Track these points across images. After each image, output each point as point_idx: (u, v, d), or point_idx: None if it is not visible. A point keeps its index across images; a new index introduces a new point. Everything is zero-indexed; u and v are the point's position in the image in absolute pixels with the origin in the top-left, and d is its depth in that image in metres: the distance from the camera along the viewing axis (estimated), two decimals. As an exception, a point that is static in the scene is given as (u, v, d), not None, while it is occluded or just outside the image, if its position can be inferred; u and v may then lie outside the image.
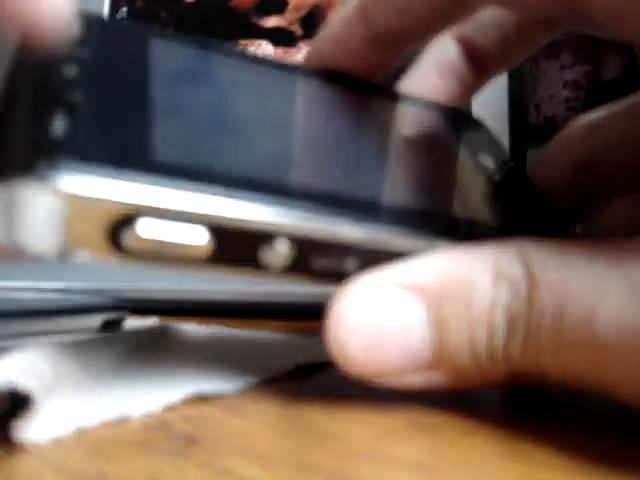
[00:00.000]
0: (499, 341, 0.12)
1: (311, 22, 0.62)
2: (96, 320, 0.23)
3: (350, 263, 0.14)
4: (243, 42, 0.64)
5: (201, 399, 0.15)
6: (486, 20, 0.19)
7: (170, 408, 0.15)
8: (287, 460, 0.12)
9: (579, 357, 0.12)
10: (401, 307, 0.13)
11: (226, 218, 0.12)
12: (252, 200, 0.13)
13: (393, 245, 0.14)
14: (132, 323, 0.24)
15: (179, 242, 0.12)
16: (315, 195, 0.14)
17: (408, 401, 0.16)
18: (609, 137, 0.19)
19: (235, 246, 0.13)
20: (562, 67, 0.54)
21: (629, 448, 0.12)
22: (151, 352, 0.19)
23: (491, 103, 0.57)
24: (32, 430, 0.12)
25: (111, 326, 0.23)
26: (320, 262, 0.14)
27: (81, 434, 0.13)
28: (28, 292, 0.28)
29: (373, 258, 0.14)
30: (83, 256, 0.12)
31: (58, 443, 0.12)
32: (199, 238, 0.12)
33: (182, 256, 0.13)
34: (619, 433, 0.14)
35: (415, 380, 0.14)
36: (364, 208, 0.14)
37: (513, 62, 0.20)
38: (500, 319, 0.12)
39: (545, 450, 0.12)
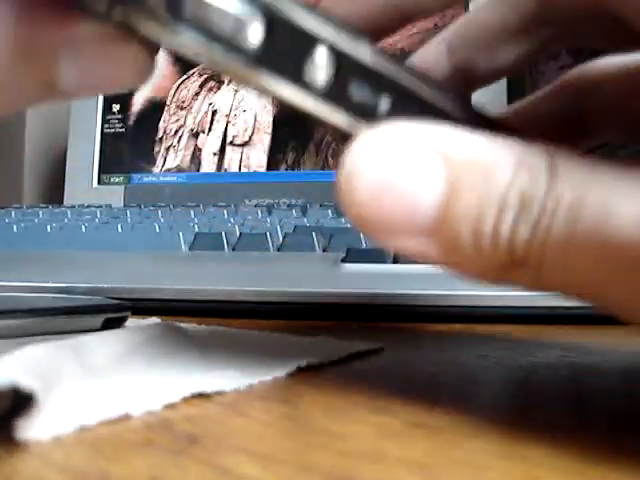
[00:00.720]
0: (508, 222, 0.12)
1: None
2: (97, 319, 0.23)
3: (385, 102, 0.13)
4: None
5: (202, 398, 0.15)
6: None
7: (171, 407, 0.15)
8: (287, 459, 0.12)
9: (586, 257, 0.12)
10: (420, 164, 0.12)
11: (283, 11, 0.12)
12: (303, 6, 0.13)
13: (425, 92, 0.14)
14: (133, 323, 0.24)
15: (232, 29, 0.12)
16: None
17: (408, 401, 0.16)
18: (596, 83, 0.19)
19: (284, 48, 0.12)
20: (561, 67, 0.54)
21: (629, 448, 0.12)
22: (152, 351, 0.19)
23: (490, 104, 0.57)
24: (33, 429, 0.12)
25: (112, 326, 0.23)
26: (357, 92, 0.13)
27: (82, 433, 0.13)
28: (29, 291, 0.28)
29: (406, 102, 0.14)
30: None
31: (59, 442, 0.13)
32: (253, 30, 0.12)
33: (232, 41, 0.12)
34: (619, 433, 0.14)
35: (411, 245, 0.13)
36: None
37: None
38: (514, 201, 0.12)
39: (545, 450, 0.12)
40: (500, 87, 0.57)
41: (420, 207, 0.12)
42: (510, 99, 0.57)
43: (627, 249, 0.11)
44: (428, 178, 0.12)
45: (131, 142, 0.65)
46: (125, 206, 0.59)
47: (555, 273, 0.12)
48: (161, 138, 0.65)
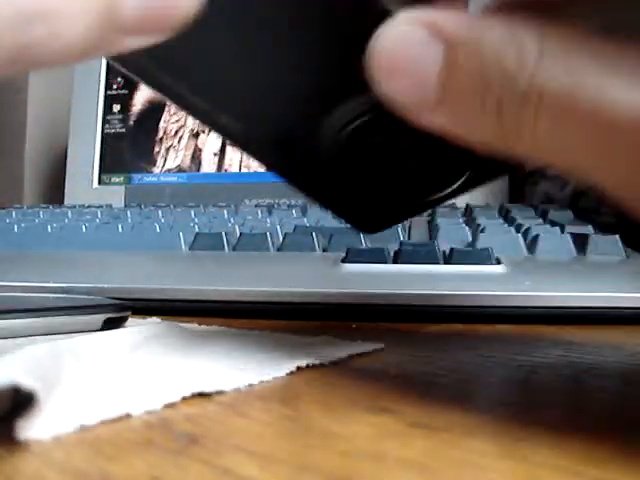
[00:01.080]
0: (493, 98, 0.13)
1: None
2: (97, 319, 0.23)
3: None
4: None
5: (202, 398, 0.15)
6: None
7: (171, 407, 0.15)
8: (287, 460, 0.12)
9: (578, 138, 0.12)
10: (423, 46, 0.13)
11: None
12: None
13: None
14: (133, 323, 0.24)
15: None
16: None
17: (408, 401, 0.16)
18: None
19: None
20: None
21: (629, 448, 0.12)
22: (152, 351, 0.19)
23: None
24: (34, 429, 0.12)
25: (112, 326, 0.23)
26: None
27: (82, 433, 0.13)
28: (29, 291, 0.28)
29: None
30: None
31: (59, 442, 0.13)
32: None
33: None
34: (619, 433, 0.14)
35: (426, 119, 0.14)
36: None
37: None
38: (497, 79, 0.13)
39: (545, 450, 0.12)
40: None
41: (427, 81, 0.13)
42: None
43: (624, 132, 0.11)
44: (431, 56, 0.13)
45: (131, 142, 0.65)
46: (125, 206, 0.59)
47: (552, 144, 0.12)
48: (161, 138, 0.65)
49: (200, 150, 0.63)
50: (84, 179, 0.65)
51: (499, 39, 0.13)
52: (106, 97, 0.66)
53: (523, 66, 0.12)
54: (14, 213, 0.51)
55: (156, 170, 0.64)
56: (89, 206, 0.57)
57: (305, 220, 0.44)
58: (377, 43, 0.14)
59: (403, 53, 0.13)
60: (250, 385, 0.16)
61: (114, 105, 0.66)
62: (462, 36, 0.13)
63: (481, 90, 0.13)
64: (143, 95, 0.66)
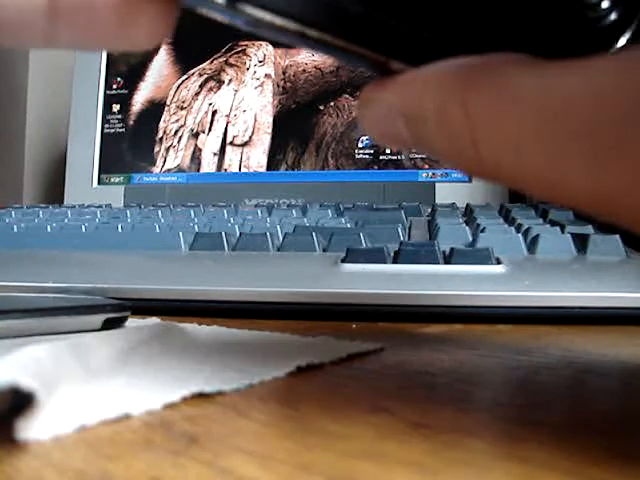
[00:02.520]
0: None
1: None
2: (97, 319, 0.23)
3: None
4: (243, 43, 0.64)
5: (202, 398, 0.15)
6: None
7: (171, 407, 0.15)
8: (287, 460, 0.12)
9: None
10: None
11: None
12: None
13: None
14: (133, 323, 0.24)
15: None
16: None
17: (408, 401, 0.16)
18: None
19: None
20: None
21: (629, 448, 0.12)
22: (152, 351, 0.19)
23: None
24: (33, 429, 0.12)
25: (112, 326, 0.23)
26: None
27: (82, 433, 0.13)
28: (29, 291, 0.28)
29: None
30: None
31: (59, 442, 0.13)
32: None
33: None
34: (619, 433, 0.14)
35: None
36: None
37: None
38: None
39: (545, 450, 0.12)
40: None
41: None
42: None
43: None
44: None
45: (131, 142, 0.65)
46: (125, 206, 0.59)
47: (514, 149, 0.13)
48: (161, 138, 0.65)
49: (200, 150, 0.63)
50: (84, 179, 0.65)
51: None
52: (106, 97, 0.66)
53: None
54: (14, 213, 0.51)
55: (156, 170, 0.64)
56: (89, 206, 0.57)
57: (305, 220, 0.44)
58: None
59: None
60: (250, 385, 0.16)
61: (114, 105, 0.66)
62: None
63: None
64: (143, 95, 0.66)
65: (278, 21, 0.14)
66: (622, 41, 0.15)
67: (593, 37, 0.15)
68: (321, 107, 0.61)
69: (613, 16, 0.15)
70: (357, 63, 0.15)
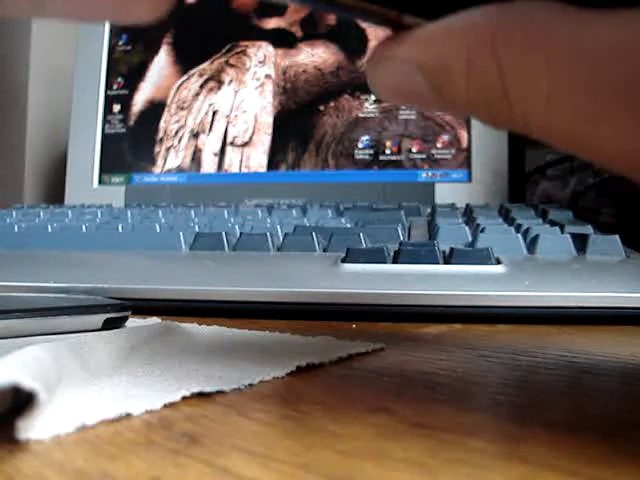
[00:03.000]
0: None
1: (311, 24, 0.62)
2: (98, 319, 0.23)
3: None
4: (243, 43, 0.64)
5: (202, 398, 0.15)
6: None
7: (171, 407, 0.15)
8: (287, 460, 0.12)
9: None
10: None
11: None
12: None
13: None
14: (133, 323, 0.24)
15: None
16: None
17: (408, 401, 0.16)
18: None
19: None
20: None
21: (628, 448, 0.12)
22: (152, 351, 0.19)
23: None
24: (34, 429, 0.12)
25: (112, 326, 0.23)
26: None
27: (83, 432, 0.13)
28: (29, 291, 0.28)
29: None
30: None
31: (60, 442, 0.13)
32: None
33: None
34: (619, 433, 0.14)
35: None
36: None
37: None
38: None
39: (545, 450, 0.12)
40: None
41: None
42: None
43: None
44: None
45: (132, 142, 0.65)
46: (126, 206, 0.59)
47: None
48: (162, 138, 0.65)
49: (200, 150, 0.63)
50: (84, 179, 0.65)
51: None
52: (106, 97, 0.66)
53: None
54: (14, 213, 0.51)
55: (156, 170, 0.64)
56: (89, 206, 0.57)
57: (305, 220, 0.44)
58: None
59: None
60: (250, 385, 0.16)
61: (114, 105, 0.66)
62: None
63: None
64: (143, 95, 0.66)
65: None
66: None
67: None
68: (321, 107, 0.61)
69: None
70: (368, 19, 0.15)
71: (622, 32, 0.11)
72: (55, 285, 0.29)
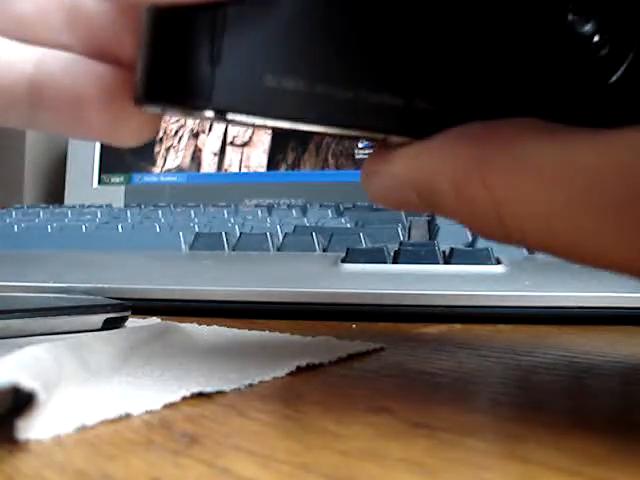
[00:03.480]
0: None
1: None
2: (98, 319, 0.23)
3: None
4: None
5: (202, 398, 0.15)
6: None
7: (171, 407, 0.15)
8: (287, 460, 0.12)
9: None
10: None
11: None
12: None
13: None
14: (133, 323, 0.24)
15: None
16: None
17: (408, 401, 0.16)
18: None
19: None
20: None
21: (629, 448, 0.12)
22: (152, 351, 0.19)
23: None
24: (34, 429, 0.12)
25: (112, 326, 0.23)
26: None
27: (83, 433, 0.13)
28: (29, 291, 0.28)
29: None
30: None
31: (59, 442, 0.13)
32: None
33: None
34: (619, 433, 0.14)
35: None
36: None
37: None
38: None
39: (545, 450, 0.12)
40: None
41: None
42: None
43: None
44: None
45: (131, 142, 0.65)
46: (125, 206, 0.59)
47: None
48: (161, 138, 0.65)
49: (200, 150, 0.63)
50: (84, 179, 0.65)
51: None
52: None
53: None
54: (14, 213, 0.51)
55: (156, 170, 0.64)
56: (89, 206, 0.57)
57: (305, 220, 0.44)
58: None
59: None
60: (250, 385, 0.16)
61: (114, 105, 0.66)
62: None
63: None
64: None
65: (270, 123, 0.14)
66: (618, 74, 0.15)
67: (590, 71, 0.15)
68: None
69: (606, 50, 0.15)
70: (355, 139, 0.15)
71: (604, 158, 0.12)
72: (55, 285, 0.29)
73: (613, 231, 0.12)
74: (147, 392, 0.15)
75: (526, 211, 0.12)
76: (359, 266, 0.30)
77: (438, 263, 0.30)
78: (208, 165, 0.63)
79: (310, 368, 0.18)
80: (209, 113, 0.13)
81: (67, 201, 0.64)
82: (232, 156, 0.62)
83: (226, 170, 0.62)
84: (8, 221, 0.47)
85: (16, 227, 0.43)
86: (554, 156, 0.12)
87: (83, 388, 0.15)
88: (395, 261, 0.31)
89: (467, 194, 0.13)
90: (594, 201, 0.12)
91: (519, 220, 0.13)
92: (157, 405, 0.15)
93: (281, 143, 0.62)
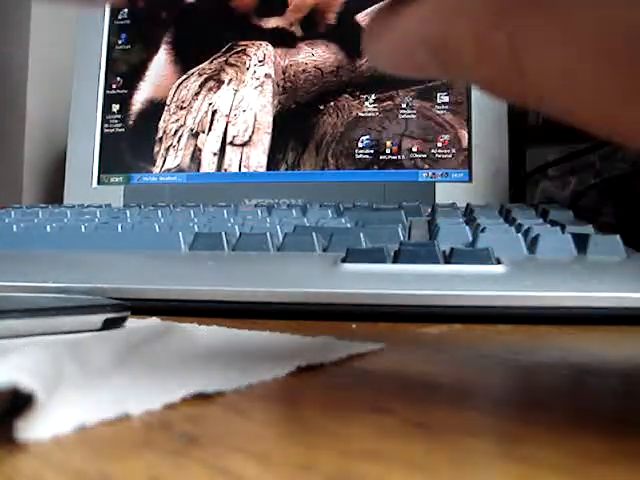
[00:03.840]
0: None
1: (311, 23, 0.62)
2: (97, 319, 0.23)
3: None
4: (243, 43, 0.64)
5: (202, 398, 0.15)
6: None
7: (171, 407, 0.15)
8: (287, 460, 0.12)
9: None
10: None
11: None
12: None
13: None
14: (133, 323, 0.24)
15: None
16: None
17: (408, 401, 0.16)
18: None
19: None
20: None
21: (629, 448, 0.12)
22: (152, 351, 0.19)
23: (491, 104, 0.57)
24: (33, 429, 0.12)
25: (112, 326, 0.23)
26: None
27: (82, 433, 0.13)
28: (29, 291, 0.28)
29: None
30: None
31: (59, 442, 0.13)
32: None
33: None
34: (619, 433, 0.14)
35: None
36: None
37: None
38: None
39: (545, 450, 0.12)
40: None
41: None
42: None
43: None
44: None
45: (131, 142, 0.65)
46: (125, 206, 0.59)
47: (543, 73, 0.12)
48: (161, 138, 0.65)
49: (200, 150, 0.63)
50: (83, 179, 0.65)
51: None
52: (105, 97, 0.66)
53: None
54: (13, 213, 0.51)
55: (155, 170, 0.64)
56: (88, 206, 0.57)
57: (305, 220, 0.44)
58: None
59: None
60: (250, 385, 0.16)
61: (113, 105, 0.66)
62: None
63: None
64: (143, 95, 0.66)
65: None
66: None
67: None
68: (321, 107, 0.61)
69: None
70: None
71: None
72: (54, 285, 0.29)
73: None
74: (147, 392, 0.15)
75: (551, 68, 0.12)
76: (359, 266, 0.30)
77: (438, 263, 0.30)
78: (208, 165, 0.63)
79: (310, 368, 0.18)
80: None
81: (66, 201, 0.64)
82: (232, 156, 0.62)
83: (226, 170, 0.62)
84: (7, 221, 0.47)
85: (15, 227, 0.42)
86: (585, 7, 0.11)
87: (82, 388, 0.15)
88: (395, 261, 0.31)
89: (489, 45, 0.12)
90: (623, 57, 0.11)
91: (542, 78, 0.12)
92: (157, 405, 0.15)
93: (281, 143, 0.62)
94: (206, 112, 0.64)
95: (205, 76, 0.64)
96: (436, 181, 0.58)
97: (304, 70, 0.62)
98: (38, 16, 0.79)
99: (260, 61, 0.63)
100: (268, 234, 0.36)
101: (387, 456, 0.12)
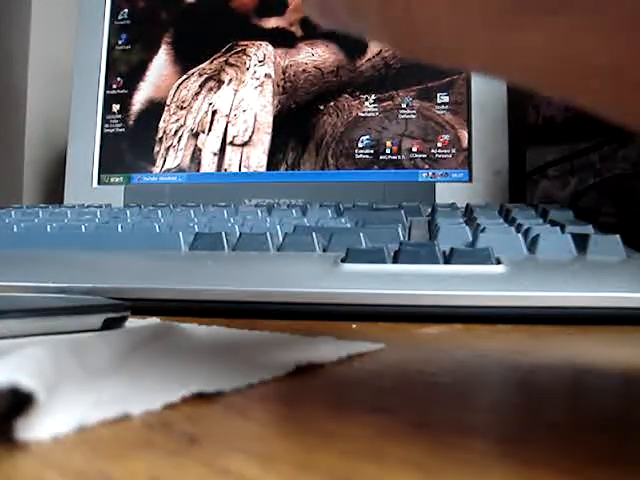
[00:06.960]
0: None
1: (311, 23, 0.62)
2: (97, 319, 0.23)
3: None
4: (243, 43, 0.64)
5: (202, 398, 0.15)
6: None
7: (171, 407, 0.15)
8: (287, 460, 0.12)
9: None
10: None
11: None
12: None
13: None
14: (133, 323, 0.24)
15: None
16: None
17: (408, 401, 0.16)
18: None
19: None
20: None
21: (628, 448, 0.12)
22: (152, 351, 0.19)
23: (491, 104, 0.58)
24: (33, 429, 0.12)
25: (112, 326, 0.23)
26: None
27: (82, 433, 0.13)
28: (29, 291, 0.28)
29: None
30: None
31: (59, 442, 0.13)
32: None
33: None
34: (619, 433, 0.14)
35: None
36: None
37: None
38: None
39: (545, 450, 0.12)
40: (500, 88, 0.57)
41: None
42: (509, 100, 0.57)
43: None
44: None
45: (131, 142, 0.65)
46: (125, 206, 0.59)
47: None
48: (161, 138, 0.65)
49: (200, 150, 0.63)
50: (83, 179, 0.65)
51: None
52: (105, 97, 0.66)
53: None
54: (13, 213, 0.51)
55: (156, 170, 0.64)
56: (89, 206, 0.57)
57: (305, 220, 0.44)
58: None
59: None
60: (250, 385, 0.16)
61: (113, 105, 0.66)
62: None
63: None
64: (143, 95, 0.66)
65: None
66: None
67: None
68: (321, 107, 0.61)
69: None
70: None
71: None
72: (54, 285, 0.29)
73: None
74: (147, 392, 0.15)
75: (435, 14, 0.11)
76: (359, 266, 0.30)
77: (438, 263, 0.30)
78: (208, 165, 0.63)
79: (310, 368, 0.18)
80: None
81: (66, 201, 0.64)
82: (232, 156, 0.62)
83: (226, 170, 0.62)
84: (7, 221, 0.47)
85: (15, 227, 0.42)
86: None
87: (82, 388, 0.15)
88: (395, 261, 0.31)
89: None
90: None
91: (426, 9, 0.12)
92: (157, 405, 0.15)
93: (281, 143, 0.62)
94: (206, 112, 0.64)
95: (205, 76, 0.64)
96: (436, 181, 0.58)
97: (304, 70, 0.62)
98: (38, 16, 0.79)
99: (260, 61, 0.63)
100: (268, 234, 0.36)
101: (387, 456, 0.12)
